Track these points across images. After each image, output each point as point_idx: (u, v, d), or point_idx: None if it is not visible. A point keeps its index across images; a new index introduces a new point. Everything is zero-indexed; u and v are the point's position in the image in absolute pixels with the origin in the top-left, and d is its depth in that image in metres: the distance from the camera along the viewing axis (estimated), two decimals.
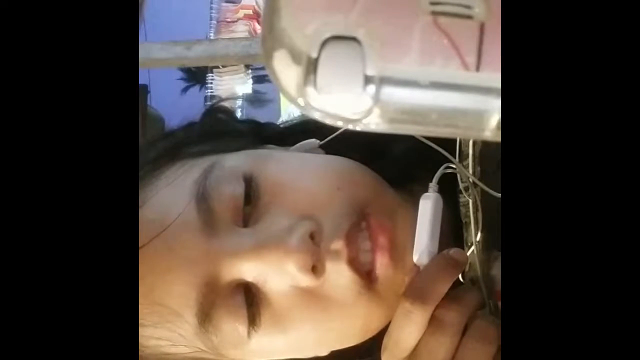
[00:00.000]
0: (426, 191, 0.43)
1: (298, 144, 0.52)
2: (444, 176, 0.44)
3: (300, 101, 0.28)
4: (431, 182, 0.43)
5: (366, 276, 0.42)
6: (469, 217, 0.43)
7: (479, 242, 0.43)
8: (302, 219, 0.42)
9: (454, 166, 0.42)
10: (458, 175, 0.43)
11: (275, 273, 0.41)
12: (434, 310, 0.40)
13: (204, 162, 0.46)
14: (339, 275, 0.41)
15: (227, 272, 0.42)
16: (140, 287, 0.40)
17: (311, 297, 0.42)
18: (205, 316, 0.42)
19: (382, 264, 0.42)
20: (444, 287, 0.40)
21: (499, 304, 0.42)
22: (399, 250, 0.42)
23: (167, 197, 0.44)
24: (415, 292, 0.40)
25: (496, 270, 0.43)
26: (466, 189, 0.43)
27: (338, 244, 0.41)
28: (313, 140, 0.51)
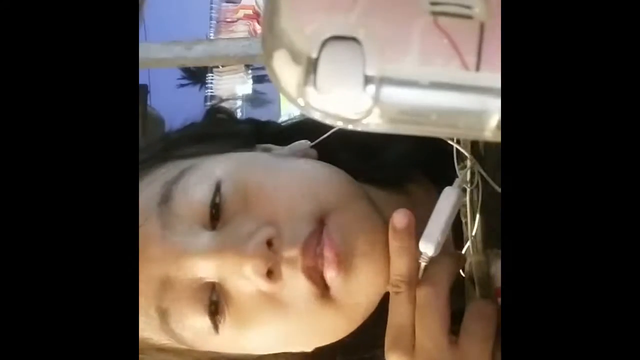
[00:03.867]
0: (424, 190, 0.43)
1: (290, 145, 0.52)
2: (443, 176, 0.44)
3: (300, 101, 0.28)
4: (457, 177, 0.43)
5: (322, 284, 0.43)
6: (468, 216, 0.43)
7: (478, 240, 0.43)
8: (263, 225, 0.43)
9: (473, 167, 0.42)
10: (459, 174, 0.43)
11: (235, 276, 0.43)
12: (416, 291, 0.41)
13: (182, 165, 0.47)
14: (295, 282, 0.42)
15: (185, 271, 0.43)
16: None
17: (270, 301, 0.43)
18: (164, 313, 0.44)
19: (331, 276, 0.42)
20: (406, 260, 0.42)
21: (499, 300, 0.42)
22: (349, 261, 0.43)
23: (142, 197, 0.45)
24: (397, 274, 0.42)
25: (496, 269, 0.43)
26: (465, 189, 0.43)
27: (294, 252, 0.42)
28: (304, 141, 0.51)
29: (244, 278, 0.42)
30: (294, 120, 0.61)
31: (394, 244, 0.42)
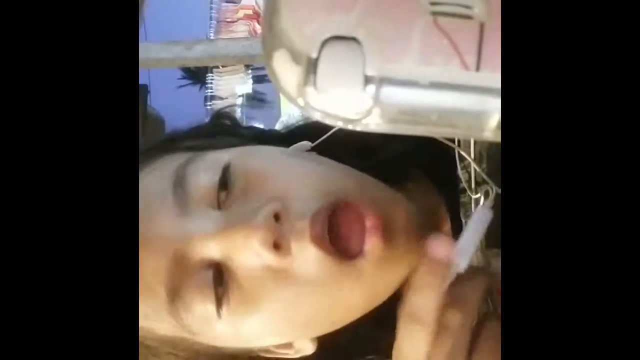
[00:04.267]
0: (423, 189, 0.43)
1: (291, 147, 0.52)
2: (443, 176, 0.44)
3: (300, 101, 0.28)
4: (493, 192, 0.41)
5: (339, 253, 0.42)
6: (468, 217, 0.43)
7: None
8: (270, 200, 0.43)
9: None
10: (460, 174, 0.43)
11: (242, 252, 0.42)
12: (440, 317, 0.39)
13: (190, 155, 0.47)
14: (305, 253, 0.42)
15: (195, 251, 0.43)
16: None
17: (280, 276, 0.42)
18: (175, 292, 0.43)
19: (373, 243, 0.41)
20: (435, 295, 0.38)
21: (499, 297, 0.42)
22: (390, 229, 0.42)
23: (150, 181, 0.46)
24: (409, 310, 0.38)
25: (496, 267, 0.43)
26: (463, 190, 0.43)
27: (302, 223, 0.41)
28: (305, 142, 0.52)
29: (251, 253, 0.42)
30: (294, 126, 0.61)
31: (429, 273, 0.38)
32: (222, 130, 0.57)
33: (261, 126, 0.63)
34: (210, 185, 0.44)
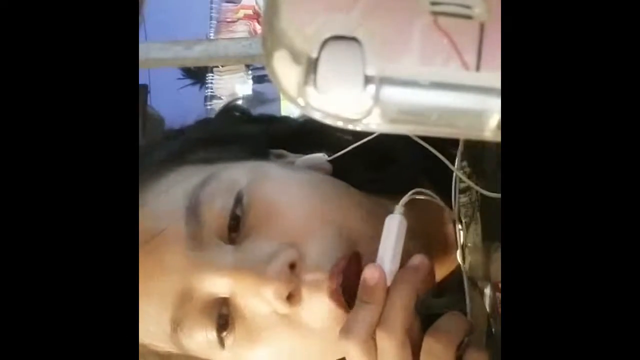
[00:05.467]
0: (428, 200, 0.43)
1: (305, 157, 0.52)
2: (442, 176, 0.44)
3: (301, 101, 0.28)
4: (397, 205, 0.43)
5: (346, 305, 0.42)
6: (469, 216, 0.43)
7: (476, 239, 0.43)
8: (285, 247, 0.42)
9: (423, 193, 0.44)
10: (455, 175, 0.44)
11: (251, 295, 0.42)
12: (423, 343, 0.40)
13: (204, 171, 0.46)
14: (318, 304, 0.42)
15: (204, 286, 0.43)
16: None
17: (287, 322, 0.42)
18: (178, 324, 0.44)
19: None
20: (407, 304, 0.40)
21: (498, 294, 0.42)
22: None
23: (162, 204, 0.45)
24: (384, 325, 0.40)
25: (495, 266, 0.43)
26: (464, 190, 0.43)
27: (321, 276, 0.41)
28: (321, 155, 0.51)
29: (260, 299, 0.42)
30: (303, 119, 0.60)
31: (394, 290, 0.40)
32: (234, 128, 0.56)
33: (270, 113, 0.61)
34: (222, 216, 0.43)
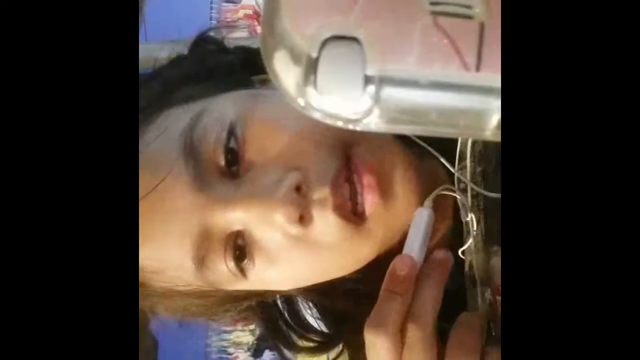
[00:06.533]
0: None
1: None
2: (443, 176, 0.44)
3: (301, 101, 0.28)
4: (427, 199, 0.44)
5: (354, 217, 0.43)
6: (469, 216, 0.43)
7: (478, 240, 0.43)
8: (288, 171, 0.43)
9: (451, 189, 0.44)
10: (456, 175, 0.44)
11: (263, 224, 0.43)
12: (451, 335, 0.40)
13: (192, 109, 0.46)
14: (326, 221, 0.43)
15: (217, 222, 0.44)
16: (140, 239, 0.43)
17: (300, 243, 0.43)
18: (201, 262, 0.45)
19: (371, 203, 0.43)
20: (437, 297, 0.41)
21: (498, 298, 0.42)
22: (387, 184, 0.43)
23: (157, 150, 0.45)
24: (414, 316, 0.40)
25: (496, 266, 0.43)
26: (464, 190, 0.43)
27: (323, 193, 0.42)
28: None
29: (273, 225, 0.43)
30: None
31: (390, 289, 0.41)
32: (209, 63, 0.55)
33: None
34: (217, 150, 0.44)
